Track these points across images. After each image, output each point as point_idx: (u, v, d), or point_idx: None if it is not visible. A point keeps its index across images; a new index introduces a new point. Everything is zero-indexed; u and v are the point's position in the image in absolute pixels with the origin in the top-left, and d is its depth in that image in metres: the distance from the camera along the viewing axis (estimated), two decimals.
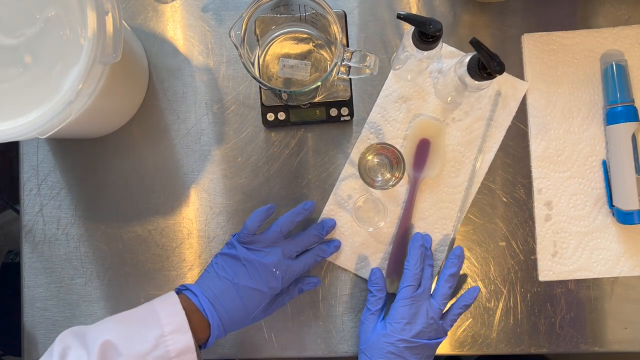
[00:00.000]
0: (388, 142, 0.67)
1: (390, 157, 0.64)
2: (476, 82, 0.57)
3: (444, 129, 0.67)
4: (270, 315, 0.62)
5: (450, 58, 0.68)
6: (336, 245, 0.66)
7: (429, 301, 0.61)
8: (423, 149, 0.67)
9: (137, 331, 0.52)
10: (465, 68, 0.56)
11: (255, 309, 0.58)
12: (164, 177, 0.70)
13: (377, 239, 0.68)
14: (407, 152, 0.67)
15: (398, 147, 0.65)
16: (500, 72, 0.53)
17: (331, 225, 0.66)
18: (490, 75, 0.55)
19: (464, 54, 0.67)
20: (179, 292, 0.58)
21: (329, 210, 0.68)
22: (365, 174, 0.64)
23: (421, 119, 0.68)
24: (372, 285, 0.64)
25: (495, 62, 0.52)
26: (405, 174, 0.67)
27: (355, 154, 0.69)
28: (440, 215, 0.68)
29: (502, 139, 0.68)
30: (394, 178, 0.63)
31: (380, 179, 0.65)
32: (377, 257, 0.68)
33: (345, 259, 0.68)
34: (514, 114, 0.68)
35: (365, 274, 0.68)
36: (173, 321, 0.53)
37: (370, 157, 0.65)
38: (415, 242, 0.63)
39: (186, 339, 0.52)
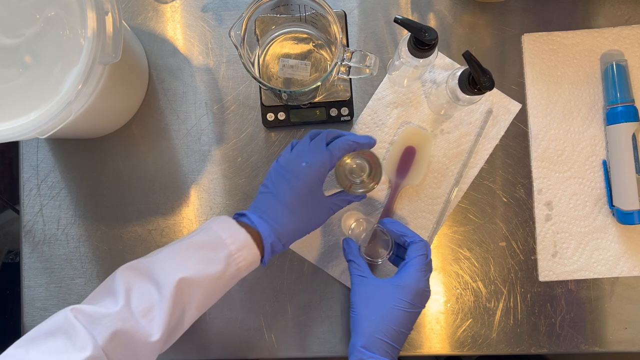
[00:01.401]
0: (376, 144, 0.65)
1: (370, 161, 0.63)
2: (467, 96, 0.57)
3: (431, 139, 0.67)
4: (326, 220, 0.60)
5: (445, 69, 0.68)
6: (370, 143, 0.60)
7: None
8: (408, 157, 0.67)
9: (206, 257, 0.53)
10: (457, 81, 0.57)
11: (299, 204, 0.56)
12: (164, 177, 0.70)
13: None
14: (392, 157, 0.67)
15: (384, 151, 0.65)
16: (490, 89, 0.53)
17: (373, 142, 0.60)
18: (480, 91, 0.55)
19: (459, 66, 0.68)
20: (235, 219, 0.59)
21: None
22: (344, 177, 0.62)
23: (410, 126, 0.68)
24: (349, 255, 0.62)
25: (486, 77, 0.52)
26: (387, 178, 0.68)
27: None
28: (417, 225, 0.68)
29: (487, 156, 0.68)
30: (372, 183, 0.62)
31: (358, 181, 0.63)
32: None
33: (318, 256, 0.68)
34: (502, 133, 0.68)
35: (336, 273, 0.68)
36: (237, 239, 0.54)
37: (349, 160, 0.63)
38: (396, 224, 0.62)
39: (253, 253, 0.54)
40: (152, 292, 0.50)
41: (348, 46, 0.67)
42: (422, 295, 0.57)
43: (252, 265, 0.55)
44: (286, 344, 0.68)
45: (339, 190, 0.61)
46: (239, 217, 0.57)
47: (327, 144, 0.58)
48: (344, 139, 0.58)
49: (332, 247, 0.68)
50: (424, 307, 0.58)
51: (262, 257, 0.56)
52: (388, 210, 0.67)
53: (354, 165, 0.62)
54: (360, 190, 0.62)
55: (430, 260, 0.59)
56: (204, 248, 0.54)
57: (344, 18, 0.67)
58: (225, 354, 0.69)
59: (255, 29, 0.60)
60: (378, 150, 0.68)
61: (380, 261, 0.62)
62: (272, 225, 0.55)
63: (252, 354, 0.69)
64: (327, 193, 0.60)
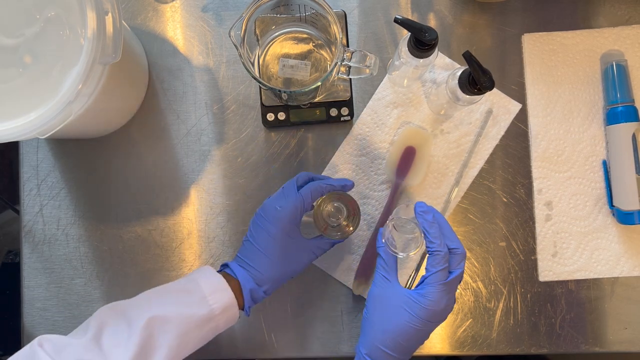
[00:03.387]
0: (376, 144, 0.67)
1: (349, 205, 0.60)
2: (467, 96, 0.57)
3: (431, 139, 0.67)
4: (305, 267, 0.59)
5: (445, 69, 0.68)
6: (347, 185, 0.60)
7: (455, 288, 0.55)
8: (408, 157, 0.67)
9: (179, 298, 0.55)
10: (457, 81, 0.57)
11: (275, 250, 0.57)
12: (164, 177, 0.70)
13: (350, 239, 0.68)
14: (392, 157, 0.67)
15: (384, 151, 0.65)
16: (490, 89, 0.53)
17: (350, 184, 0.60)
18: (480, 91, 0.55)
19: (459, 66, 0.68)
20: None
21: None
22: (321, 219, 0.59)
23: (410, 126, 0.68)
24: (380, 249, 0.57)
25: (486, 77, 0.52)
26: (387, 178, 0.68)
27: (339, 155, 0.68)
28: None
29: (487, 156, 0.68)
30: (348, 227, 0.59)
31: (335, 225, 0.59)
32: (349, 258, 0.68)
33: (320, 257, 0.67)
34: (502, 133, 0.68)
35: (336, 273, 0.68)
36: (211, 282, 0.56)
37: (327, 202, 0.59)
38: (425, 215, 0.55)
39: (227, 295, 0.55)
40: (122, 329, 0.51)
41: (348, 46, 0.67)
42: (441, 314, 0.53)
43: (227, 309, 0.55)
44: (286, 344, 0.68)
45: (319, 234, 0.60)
46: (223, 267, 0.60)
47: (302, 187, 0.59)
48: (316, 182, 0.59)
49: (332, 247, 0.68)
50: (441, 321, 0.54)
51: (244, 305, 0.57)
52: (388, 210, 0.67)
53: (332, 208, 0.60)
54: (336, 234, 0.59)
55: (459, 275, 0.53)
56: (179, 291, 0.56)
57: (344, 18, 0.67)
58: (225, 354, 0.69)
59: (255, 29, 0.60)
60: (378, 151, 0.68)
61: (401, 255, 0.56)
62: (251, 272, 0.57)
63: (252, 354, 0.69)
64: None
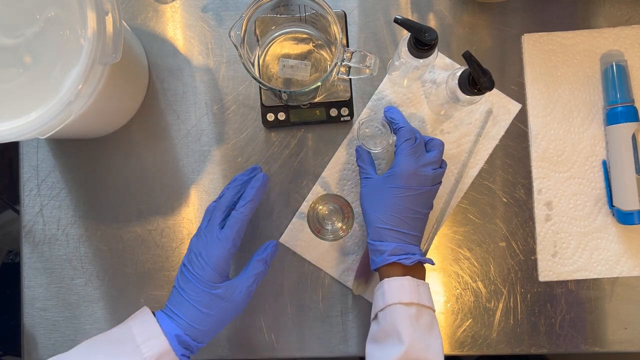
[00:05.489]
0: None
1: (343, 208, 0.63)
2: (467, 96, 0.57)
3: None
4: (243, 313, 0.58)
5: (445, 70, 0.68)
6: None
7: (425, 152, 0.60)
8: None
9: (114, 350, 0.53)
10: (457, 81, 0.57)
11: (206, 301, 0.55)
12: (164, 177, 0.70)
13: (350, 240, 0.68)
14: (392, 157, 0.67)
15: (384, 151, 0.66)
16: (490, 89, 0.53)
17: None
18: (480, 91, 0.55)
19: (459, 66, 0.67)
20: None
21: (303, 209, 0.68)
22: (315, 221, 0.62)
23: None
24: (358, 160, 0.63)
25: (486, 77, 0.52)
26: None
27: (339, 155, 0.68)
28: None
29: (487, 156, 0.68)
30: (341, 231, 0.62)
31: (329, 227, 0.63)
32: (349, 259, 0.68)
33: (317, 256, 0.68)
34: (502, 133, 0.68)
35: (336, 273, 0.68)
36: (144, 329, 0.54)
37: (322, 206, 0.63)
38: (390, 109, 0.63)
39: (160, 342, 0.53)
40: None
41: (348, 46, 0.67)
42: (415, 177, 0.58)
43: (162, 356, 0.53)
44: (286, 344, 0.68)
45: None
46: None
47: (226, 217, 0.57)
48: (234, 214, 0.57)
49: (331, 247, 0.68)
50: (425, 187, 0.58)
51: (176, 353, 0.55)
52: None
53: (326, 212, 0.62)
54: (330, 237, 0.62)
55: (421, 142, 0.60)
56: (114, 341, 0.54)
57: (344, 18, 0.67)
58: (225, 354, 0.69)
59: (255, 29, 0.60)
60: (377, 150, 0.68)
61: (378, 149, 0.62)
62: (179, 323, 0.55)
63: (252, 354, 0.69)
64: None
